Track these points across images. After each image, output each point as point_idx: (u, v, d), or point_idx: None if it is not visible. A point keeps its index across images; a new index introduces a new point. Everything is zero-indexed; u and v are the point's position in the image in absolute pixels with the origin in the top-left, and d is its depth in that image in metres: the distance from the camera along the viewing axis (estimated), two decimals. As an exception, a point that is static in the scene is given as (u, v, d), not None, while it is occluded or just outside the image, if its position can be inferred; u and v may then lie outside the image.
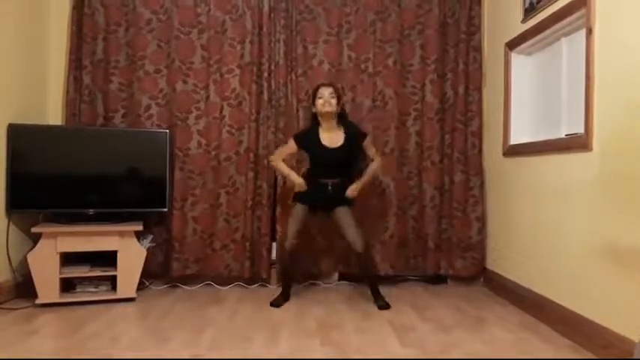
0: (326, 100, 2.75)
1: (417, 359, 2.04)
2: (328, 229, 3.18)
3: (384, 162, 3.11)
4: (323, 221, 3.13)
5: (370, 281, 2.90)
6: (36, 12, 3.08)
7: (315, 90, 2.84)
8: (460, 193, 3.34)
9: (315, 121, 2.88)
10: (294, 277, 3.06)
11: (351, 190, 2.83)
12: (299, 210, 2.87)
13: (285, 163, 2.91)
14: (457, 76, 3.37)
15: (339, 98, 2.82)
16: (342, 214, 2.83)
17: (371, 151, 2.92)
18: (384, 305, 2.76)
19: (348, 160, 2.87)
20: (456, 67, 3.37)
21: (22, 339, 2.20)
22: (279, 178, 3.26)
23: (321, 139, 2.81)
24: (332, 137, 2.82)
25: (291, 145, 2.89)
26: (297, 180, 2.82)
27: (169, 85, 3.22)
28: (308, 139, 2.85)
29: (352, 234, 2.79)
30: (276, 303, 2.82)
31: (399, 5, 3.34)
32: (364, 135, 2.92)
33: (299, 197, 2.87)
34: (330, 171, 2.83)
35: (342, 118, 2.87)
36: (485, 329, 2.43)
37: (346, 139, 2.83)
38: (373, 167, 2.92)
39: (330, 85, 2.85)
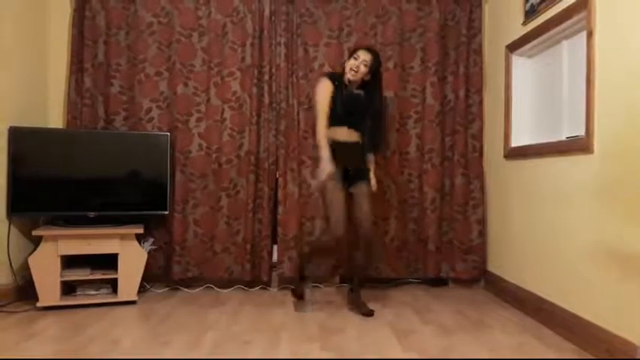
0: (355, 66, 2.69)
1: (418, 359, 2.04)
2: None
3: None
4: None
5: (360, 280, 2.82)
6: (37, 15, 3.09)
7: (354, 50, 2.75)
8: (461, 195, 3.34)
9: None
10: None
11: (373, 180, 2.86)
12: (333, 184, 2.63)
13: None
14: (458, 79, 3.37)
15: (370, 69, 2.71)
16: (364, 189, 2.74)
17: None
18: (368, 312, 2.68)
19: (370, 105, 2.76)
20: (456, 69, 3.38)
21: (22, 342, 2.19)
22: (280, 180, 3.25)
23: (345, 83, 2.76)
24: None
25: (327, 84, 2.70)
26: (328, 166, 2.60)
27: (170, 88, 3.23)
28: (335, 78, 2.74)
29: (366, 212, 2.67)
30: (298, 292, 2.85)
31: (399, 8, 3.35)
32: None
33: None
34: (353, 116, 2.73)
35: (365, 85, 2.79)
36: (487, 332, 2.43)
37: (365, 90, 2.79)
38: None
39: (369, 52, 2.72)
